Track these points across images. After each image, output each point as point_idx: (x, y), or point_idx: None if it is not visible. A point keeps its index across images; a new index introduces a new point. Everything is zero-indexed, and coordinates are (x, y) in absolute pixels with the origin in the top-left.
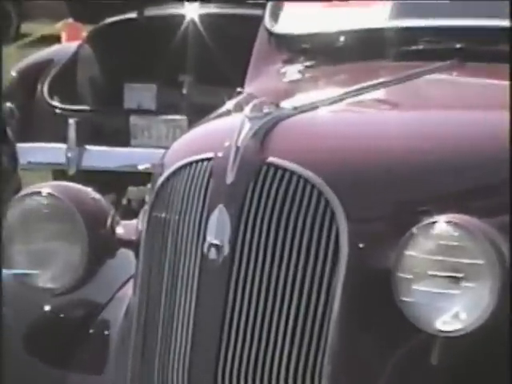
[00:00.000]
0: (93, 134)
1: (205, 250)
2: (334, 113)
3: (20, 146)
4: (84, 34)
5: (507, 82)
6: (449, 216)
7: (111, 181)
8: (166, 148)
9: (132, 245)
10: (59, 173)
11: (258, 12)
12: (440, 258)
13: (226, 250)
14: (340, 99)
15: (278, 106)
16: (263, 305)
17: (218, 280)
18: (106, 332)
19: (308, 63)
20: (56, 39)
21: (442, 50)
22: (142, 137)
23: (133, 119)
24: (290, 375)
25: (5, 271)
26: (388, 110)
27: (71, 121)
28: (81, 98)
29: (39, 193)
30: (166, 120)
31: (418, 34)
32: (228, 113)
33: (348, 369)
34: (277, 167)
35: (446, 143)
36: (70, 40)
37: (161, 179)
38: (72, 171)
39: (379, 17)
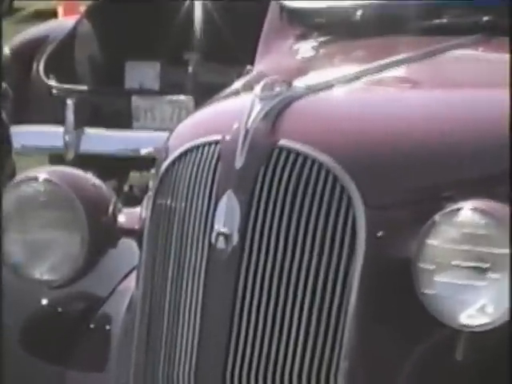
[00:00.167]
0: (92, 115)
1: (213, 239)
2: (351, 92)
3: (14, 128)
4: (82, 8)
5: None
6: (474, 202)
7: (112, 166)
8: (171, 130)
9: (135, 234)
10: (56, 157)
11: None
12: (464, 247)
13: (236, 239)
14: (357, 77)
15: (290, 85)
16: (275, 297)
17: (226, 271)
18: (108, 327)
19: (322, 39)
20: (52, 14)
21: (467, 23)
22: (145, 119)
23: (135, 100)
24: (304, 371)
25: None
26: (408, 89)
27: (69, 102)
28: (79, 77)
29: (36, 178)
30: (171, 100)
31: (440, 6)
32: (237, 92)
33: (366, 365)
34: (289, 150)
35: (471, 124)
36: (67, 15)
37: (165, 164)
38: (70, 156)
39: None
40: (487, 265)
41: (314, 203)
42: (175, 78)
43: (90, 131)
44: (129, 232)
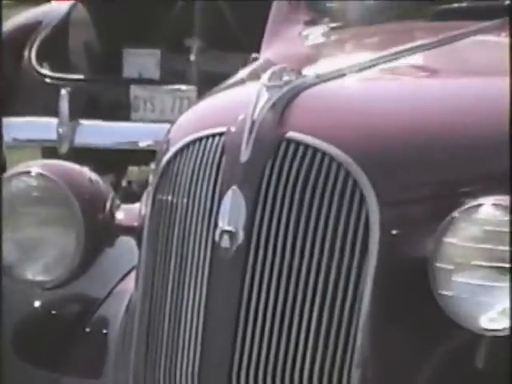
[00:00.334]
0: (87, 106)
1: (216, 237)
2: (364, 81)
3: (4, 120)
4: None
5: None
6: (495, 198)
7: (109, 160)
8: (172, 122)
9: (134, 232)
10: (49, 151)
11: None
12: (485, 245)
13: (241, 237)
14: (370, 65)
15: (299, 73)
16: (283, 299)
17: (231, 271)
18: (105, 330)
19: (333, 24)
20: None
21: (489, 7)
22: (144, 109)
23: (133, 89)
24: (314, 376)
25: None
26: (425, 77)
27: (63, 91)
28: (74, 65)
29: (28, 173)
30: (172, 90)
31: None
32: (242, 82)
33: (379, 371)
34: (298, 143)
35: (493, 116)
36: None
37: (166, 158)
38: (64, 149)
39: None
40: (509, 265)
41: (325, 199)
42: (176, 67)
43: (86, 123)
44: (127, 230)
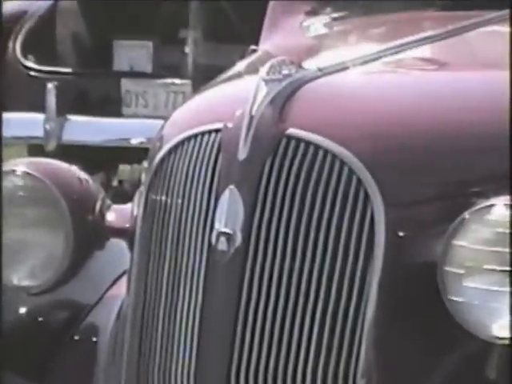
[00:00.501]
0: (76, 101)
1: (213, 239)
2: (368, 74)
3: None
4: None
5: None
6: (508, 198)
7: (99, 158)
8: (166, 118)
9: (125, 234)
10: (36, 148)
11: None
12: (497, 248)
13: (239, 239)
14: (375, 58)
15: (299, 66)
16: (283, 305)
17: (228, 276)
18: (94, 338)
19: (336, 14)
20: None
21: None
22: (136, 105)
23: (124, 83)
24: None
25: None
26: (433, 71)
27: (50, 85)
28: (61, 57)
29: (13, 172)
30: (165, 84)
31: None
32: (240, 75)
33: (385, 382)
34: (299, 140)
35: (504, 112)
36: None
37: (159, 155)
38: (51, 146)
39: None
40: None
41: (327, 199)
42: (170, 59)
43: (74, 119)
44: (118, 232)
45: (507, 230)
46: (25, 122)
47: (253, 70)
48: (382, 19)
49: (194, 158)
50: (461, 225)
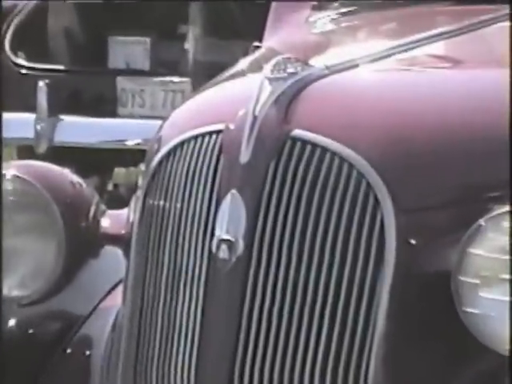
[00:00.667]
0: (69, 100)
1: (213, 247)
2: (378, 73)
3: None
4: None
5: None
6: None
7: (93, 160)
8: (164, 118)
9: (121, 241)
10: (26, 150)
11: None
12: None
13: (241, 247)
14: (386, 55)
15: (306, 64)
16: (288, 316)
17: (230, 286)
18: (88, 351)
19: (344, 9)
20: None
21: None
22: (133, 104)
23: (120, 82)
24: None
25: None
26: (447, 69)
27: (41, 84)
28: (53, 54)
29: (2, 176)
30: (163, 82)
31: None
32: (242, 73)
33: None
34: (304, 142)
35: None
36: None
37: (157, 158)
38: (43, 148)
39: None
40: None
41: (335, 204)
42: (168, 56)
43: (67, 119)
44: (113, 238)
45: None
46: (15, 123)
47: (256, 67)
48: (393, 14)
49: (193, 160)
50: (476, 232)
